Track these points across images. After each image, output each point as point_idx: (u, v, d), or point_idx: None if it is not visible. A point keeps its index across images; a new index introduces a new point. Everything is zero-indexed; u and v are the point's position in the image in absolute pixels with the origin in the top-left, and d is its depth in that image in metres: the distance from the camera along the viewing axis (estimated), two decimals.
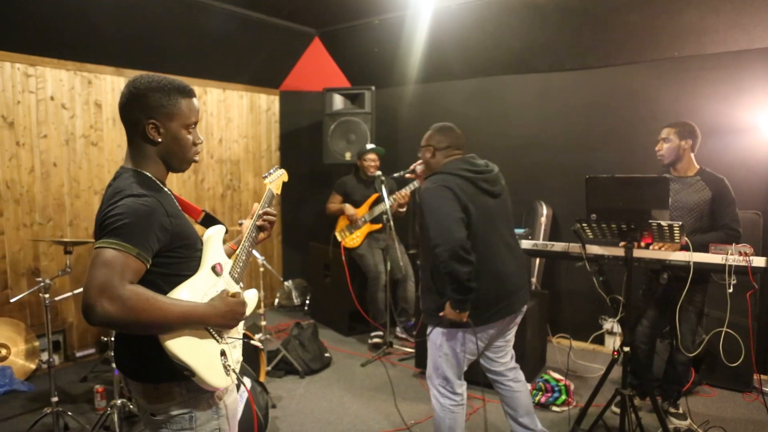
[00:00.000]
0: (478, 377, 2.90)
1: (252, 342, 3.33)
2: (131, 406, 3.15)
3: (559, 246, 2.90)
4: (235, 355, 1.58)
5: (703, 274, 2.81)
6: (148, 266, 1.37)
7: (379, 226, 4.65)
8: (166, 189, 1.55)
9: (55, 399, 3.05)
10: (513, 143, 4.89)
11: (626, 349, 2.69)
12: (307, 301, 5.73)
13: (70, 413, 3.19)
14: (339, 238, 4.75)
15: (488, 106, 5.05)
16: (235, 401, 1.69)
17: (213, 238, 1.60)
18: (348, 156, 5.10)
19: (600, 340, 4.55)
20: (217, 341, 1.50)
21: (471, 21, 4.59)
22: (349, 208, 4.70)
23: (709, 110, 3.94)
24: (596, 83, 4.48)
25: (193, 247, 1.53)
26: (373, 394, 3.75)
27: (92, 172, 4.41)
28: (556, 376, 3.54)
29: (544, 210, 4.62)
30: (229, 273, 1.61)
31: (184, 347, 1.39)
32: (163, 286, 1.43)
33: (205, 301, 1.47)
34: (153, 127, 1.48)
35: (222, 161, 5.42)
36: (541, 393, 3.50)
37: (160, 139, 1.50)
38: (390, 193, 4.33)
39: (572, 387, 3.53)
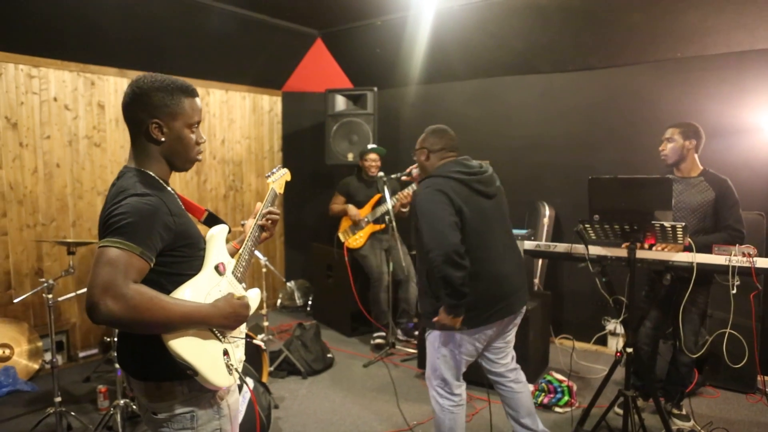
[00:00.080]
0: (481, 378, 2.89)
1: (254, 342, 3.34)
2: (134, 407, 3.15)
3: (561, 247, 2.90)
4: (238, 355, 1.59)
5: (706, 275, 2.81)
6: (152, 265, 1.38)
7: (382, 226, 4.65)
8: (169, 188, 1.55)
9: (58, 399, 3.06)
10: (515, 144, 4.89)
11: (629, 350, 2.68)
12: (310, 302, 5.73)
13: (73, 413, 3.20)
14: (342, 239, 4.76)
15: (490, 106, 5.05)
16: (237, 401, 1.69)
17: (216, 238, 1.60)
18: (350, 157, 5.10)
19: (603, 341, 4.55)
20: (220, 341, 1.51)
21: (473, 22, 4.59)
22: (351, 209, 4.70)
23: (711, 111, 3.93)
24: (598, 84, 4.48)
25: (196, 247, 1.53)
26: (375, 394, 3.74)
27: (95, 173, 4.43)
28: (559, 377, 3.53)
29: (547, 211, 4.62)
30: (232, 272, 1.62)
31: (186, 346, 1.39)
32: (167, 285, 1.43)
33: (208, 301, 1.47)
34: (156, 127, 1.49)
35: (225, 162, 5.43)
36: (543, 394, 3.49)
37: (163, 139, 1.50)
38: (392, 193, 4.33)
39: (575, 388, 3.53)
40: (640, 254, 2.62)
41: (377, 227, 4.70)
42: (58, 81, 4.17)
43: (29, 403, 3.58)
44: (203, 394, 1.51)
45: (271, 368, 3.96)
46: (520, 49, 4.68)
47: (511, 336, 2.69)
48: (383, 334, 4.65)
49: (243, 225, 1.83)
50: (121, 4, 4.03)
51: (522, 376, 2.74)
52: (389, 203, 4.14)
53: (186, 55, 4.82)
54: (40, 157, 4.09)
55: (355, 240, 4.71)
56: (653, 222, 2.49)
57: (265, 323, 4.25)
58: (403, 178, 3.70)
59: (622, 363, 2.77)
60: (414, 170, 2.90)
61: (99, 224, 1.44)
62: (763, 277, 3.39)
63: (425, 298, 2.53)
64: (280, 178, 2.00)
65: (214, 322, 1.46)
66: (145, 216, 1.36)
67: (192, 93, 1.55)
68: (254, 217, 1.80)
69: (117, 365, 3.17)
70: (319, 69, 5.78)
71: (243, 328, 1.65)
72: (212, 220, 1.72)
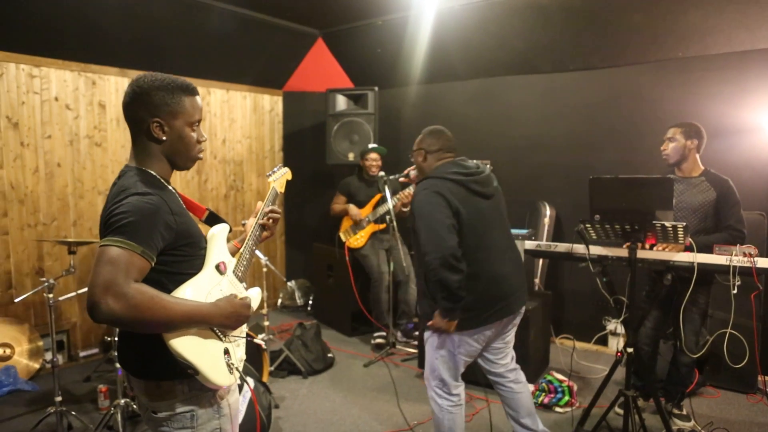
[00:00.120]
0: (481, 378, 2.89)
1: (255, 341, 3.34)
2: (134, 406, 3.16)
3: (562, 247, 2.90)
4: (239, 354, 1.59)
5: (707, 275, 2.81)
6: (153, 264, 1.38)
7: (383, 226, 4.65)
8: (170, 187, 1.55)
9: (58, 399, 3.06)
10: (516, 144, 4.89)
11: (630, 350, 2.68)
12: (310, 302, 5.73)
13: (73, 413, 3.20)
14: (343, 239, 4.76)
15: (491, 106, 5.05)
16: (237, 401, 1.69)
17: (217, 237, 1.60)
18: (351, 156, 5.10)
19: (603, 341, 4.54)
20: (221, 340, 1.51)
21: (474, 22, 4.59)
22: (352, 209, 4.70)
23: (713, 111, 3.93)
24: (600, 84, 4.47)
25: (197, 246, 1.53)
26: (375, 394, 3.74)
27: (96, 173, 4.43)
28: (560, 376, 3.53)
29: (548, 210, 4.62)
30: (233, 272, 1.62)
31: (187, 345, 1.39)
32: (168, 284, 1.43)
33: (210, 300, 1.47)
34: (157, 126, 1.49)
35: (225, 162, 5.43)
36: (544, 394, 3.49)
37: (164, 138, 1.50)
38: (393, 193, 4.33)
39: (575, 388, 3.52)
40: (641, 254, 2.62)
41: (378, 227, 4.70)
42: (59, 81, 4.18)
43: (30, 403, 3.58)
44: (204, 393, 1.51)
45: (272, 368, 3.96)
46: (521, 49, 4.68)
47: (511, 336, 2.68)
48: (384, 333, 4.65)
49: (244, 225, 1.83)
50: (122, 4, 4.03)
51: (522, 376, 2.73)
52: (390, 203, 4.14)
53: (187, 55, 4.82)
54: (41, 156, 4.10)
55: (356, 240, 4.71)
56: (654, 222, 2.49)
57: (266, 323, 4.25)
58: (401, 179, 3.70)
59: (622, 363, 2.77)
60: (412, 172, 2.91)
61: (100, 223, 1.44)
62: (763, 277, 3.39)
63: (424, 299, 2.52)
64: (281, 177, 2.00)
65: (215, 322, 1.46)
66: (147, 215, 1.36)
67: (192, 91, 1.55)
68: (255, 217, 1.80)
69: (117, 365, 3.17)
70: (319, 69, 5.78)
71: (244, 328, 1.65)
72: (213, 219, 1.72)
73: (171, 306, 1.35)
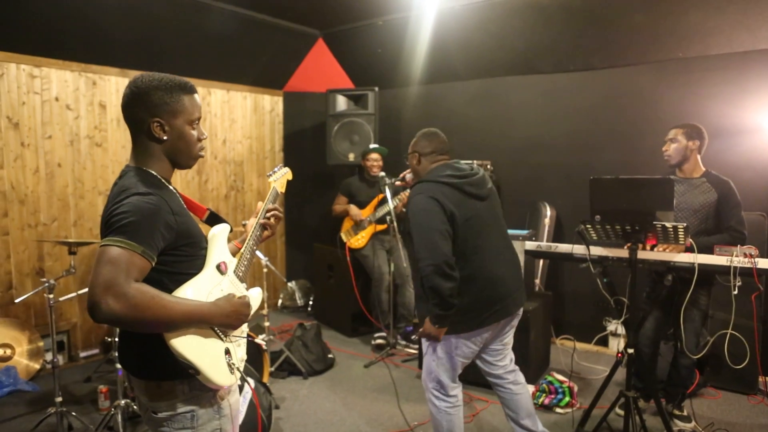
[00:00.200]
0: (481, 379, 2.89)
1: (255, 341, 3.33)
2: (135, 407, 3.15)
3: (563, 247, 2.89)
4: (240, 354, 1.59)
5: (707, 275, 2.81)
6: (153, 264, 1.38)
7: (384, 226, 4.65)
8: (171, 187, 1.55)
9: (59, 399, 3.06)
10: (517, 144, 4.89)
11: (630, 350, 2.68)
12: (311, 302, 5.73)
13: (74, 413, 3.20)
14: (344, 239, 4.76)
15: (492, 107, 5.05)
16: (238, 401, 1.69)
17: (218, 237, 1.60)
18: (351, 157, 5.10)
19: (604, 342, 4.54)
20: (222, 340, 1.51)
21: (475, 22, 4.59)
22: (353, 209, 4.71)
23: (713, 111, 3.93)
24: (600, 84, 4.47)
25: (198, 246, 1.53)
26: (376, 395, 3.74)
27: (96, 173, 4.43)
28: (560, 377, 3.53)
29: (548, 211, 4.62)
30: (234, 272, 1.62)
31: (188, 345, 1.39)
32: (169, 284, 1.43)
33: (210, 300, 1.47)
34: (158, 125, 1.49)
35: (226, 162, 5.43)
36: (544, 395, 3.49)
37: (165, 137, 1.50)
38: (395, 194, 4.33)
39: (576, 389, 3.52)
40: (642, 255, 2.62)
41: (379, 227, 4.70)
42: (60, 81, 4.18)
43: (30, 403, 3.58)
44: (204, 393, 1.51)
45: (272, 368, 3.95)
46: (522, 50, 4.68)
47: (509, 338, 2.67)
48: (384, 334, 4.64)
49: (244, 225, 1.83)
50: (123, 4, 4.03)
51: (521, 377, 2.73)
52: (391, 204, 4.14)
53: (187, 55, 4.82)
54: (41, 156, 4.10)
55: (357, 240, 4.71)
56: (654, 222, 2.49)
57: (266, 323, 4.25)
58: (397, 183, 3.70)
59: (623, 364, 2.77)
60: (408, 175, 2.91)
61: (101, 223, 1.43)
62: (764, 278, 3.39)
63: (421, 303, 2.52)
64: (281, 177, 2.00)
65: (216, 321, 1.46)
66: (147, 215, 1.36)
67: (190, 90, 1.55)
68: (256, 217, 1.80)
69: (118, 365, 3.17)
70: (320, 69, 5.78)
71: (244, 328, 1.65)
72: (214, 219, 1.72)
73: (171, 305, 1.35)
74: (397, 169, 4.31)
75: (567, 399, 3.45)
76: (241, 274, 1.64)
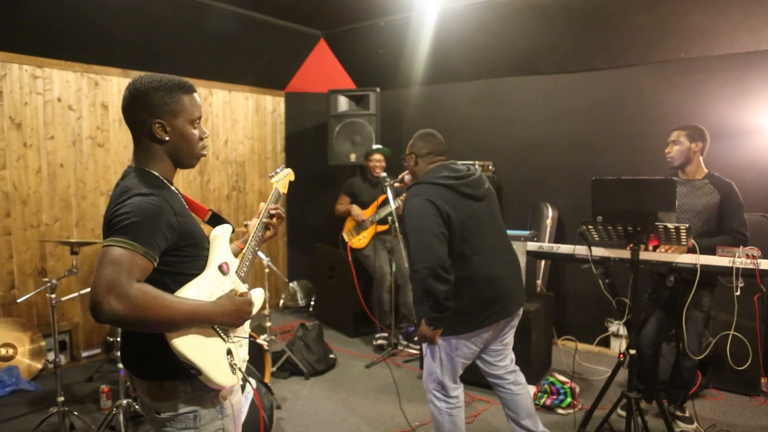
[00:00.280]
0: (482, 379, 2.89)
1: (257, 342, 3.34)
2: (137, 406, 3.16)
3: (564, 248, 2.89)
4: (242, 354, 1.59)
5: (710, 276, 2.80)
6: (156, 265, 1.38)
7: (386, 227, 4.65)
8: (173, 188, 1.55)
9: (61, 399, 3.07)
10: (518, 145, 4.89)
11: (632, 351, 2.68)
12: (312, 303, 5.73)
13: (76, 413, 3.20)
14: (346, 239, 4.76)
15: (493, 107, 5.05)
16: (240, 401, 1.69)
17: (220, 237, 1.60)
18: (353, 158, 5.11)
19: (606, 343, 4.54)
20: (224, 340, 1.51)
21: (476, 23, 4.59)
22: (355, 209, 4.71)
23: (715, 112, 3.92)
24: (602, 85, 4.47)
25: (200, 246, 1.54)
26: (377, 395, 3.74)
27: (99, 173, 4.44)
28: (562, 378, 3.53)
29: (550, 212, 4.61)
30: (236, 272, 1.62)
31: (190, 345, 1.39)
32: (171, 284, 1.43)
33: (212, 300, 1.47)
34: (159, 126, 1.49)
35: (227, 162, 5.43)
36: (546, 395, 3.49)
37: (167, 138, 1.50)
38: (397, 194, 4.33)
39: (578, 389, 3.52)
40: (644, 256, 2.61)
41: (381, 228, 4.70)
42: (62, 81, 4.19)
43: (32, 403, 3.58)
44: (206, 393, 1.51)
45: (274, 369, 3.96)
46: (523, 50, 4.68)
47: (509, 338, 2.66)
48: (386, 334, 4.64)
49: (246, 226, 1.83)
50: (125, 5, 4.04)
51: (521, 377, 2.72)
52: (393, 204, 4.14)
53: (189, 56, 4.83)
54: (43, 157, 4.11)
55: (359, 240, 4.71)
56: (656, 223, 2.49)
57: (268, 324, 4.25)
58: (396, 185, 3.69)
59: (625, 365, 2.76)
60: (406, 177, 2.91)
61: (103, 224, 1.44)
62: (766, 279, 3.38)
63: (419, 304, 2.52)
64: (283, 178, 2.00)
65: (218, 320, 1.46)
66: (149, 215, 1.37)
67: (190, 89, 1.55)
68: (258, 218, 1.80)
69: (120, 365, 3.18)
70: (321, 69, 5.79)
71: (246, 327, 1.65)
72: (216, 220, 1.72)
73: (173, 305, 1.35)
74: (399, 170, 4.31)
75: (569, 400, 3.45)
76: (243, 275, 1.64)
